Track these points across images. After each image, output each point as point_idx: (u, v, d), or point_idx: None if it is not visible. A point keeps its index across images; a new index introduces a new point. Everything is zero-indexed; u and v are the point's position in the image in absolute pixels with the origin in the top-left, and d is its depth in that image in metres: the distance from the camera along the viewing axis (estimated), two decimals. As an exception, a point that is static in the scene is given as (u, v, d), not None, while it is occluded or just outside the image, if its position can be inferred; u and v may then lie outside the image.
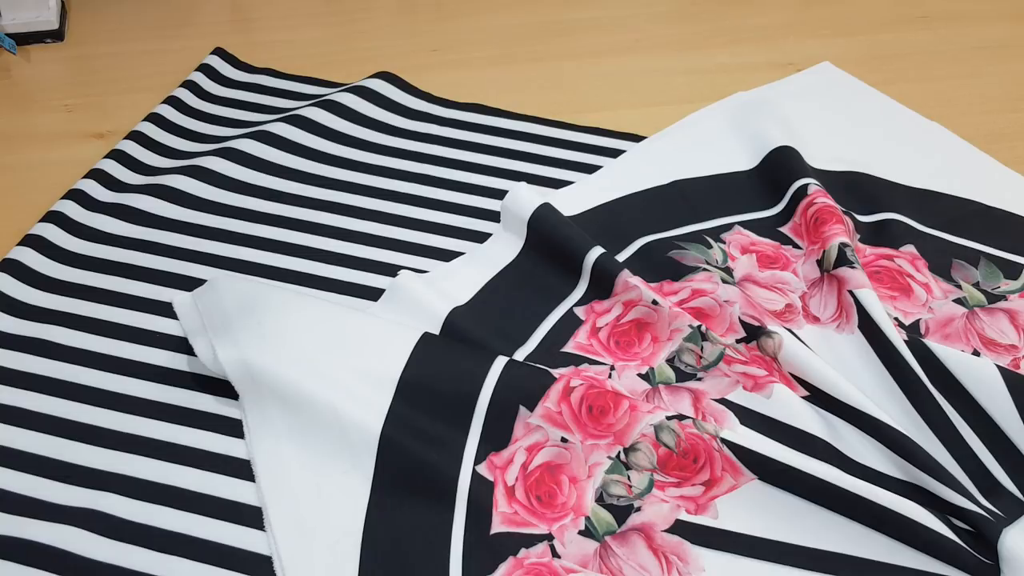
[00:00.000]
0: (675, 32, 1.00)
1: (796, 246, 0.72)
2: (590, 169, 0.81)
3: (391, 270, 0.71)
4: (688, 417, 0.58)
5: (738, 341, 0.63)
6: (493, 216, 0.76)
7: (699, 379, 0.62)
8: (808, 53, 0.95)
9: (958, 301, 0.67)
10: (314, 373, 0.59)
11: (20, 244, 0.72)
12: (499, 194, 0.78)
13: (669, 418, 0.57)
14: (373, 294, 0.69)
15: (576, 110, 0.88)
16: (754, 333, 0.63)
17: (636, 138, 0.84)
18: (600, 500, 0.55)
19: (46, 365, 0.64)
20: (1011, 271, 0.69)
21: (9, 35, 0.96)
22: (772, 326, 0.63)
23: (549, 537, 0.54)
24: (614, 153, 0.82)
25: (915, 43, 0.97)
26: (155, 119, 0.86)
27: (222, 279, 0.66)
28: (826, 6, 1.03)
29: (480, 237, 0.74)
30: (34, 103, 0.92)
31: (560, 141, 0.84)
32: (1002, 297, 0.67)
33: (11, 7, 0.97)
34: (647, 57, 0.96)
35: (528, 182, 0.79)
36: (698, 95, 0.89)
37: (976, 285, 0.68)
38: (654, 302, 0.65)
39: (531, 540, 0.54)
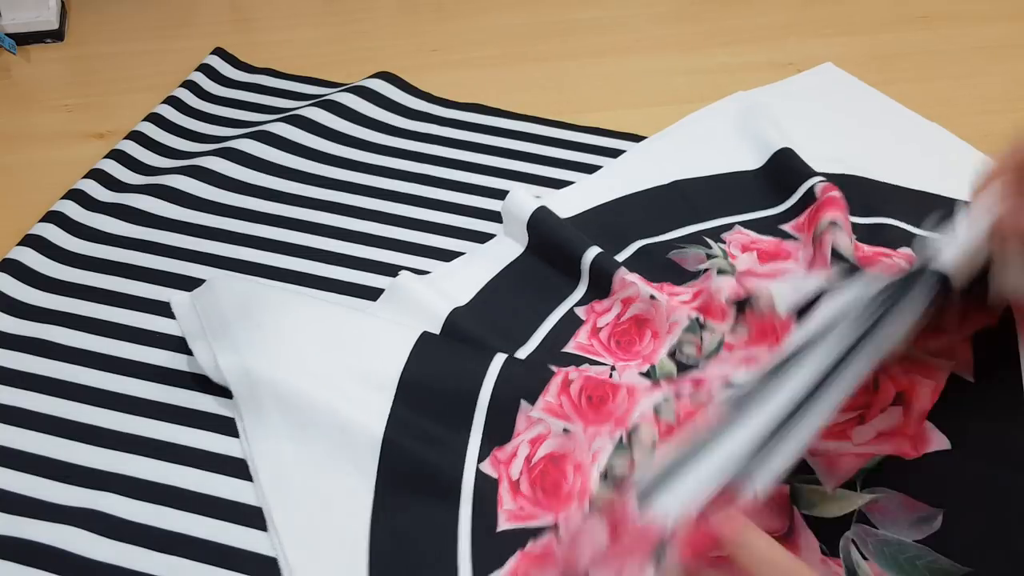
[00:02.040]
0: (675, 32, 1.00)
1: (796, 239, 0.72)
2: (590, 169, 0.81)
3: (391, 270, 0.71)
4: (686, 394, 0.57)
5: (737, 313, 0.62)
6: (493, 216, 0.76)
7: (701, 369, 0.62)
8: (808, 53, 0.95)
9: None
10: (313, 376, 0.59)
11: (20, 244, 0.72)
12: (499, 194, 0.78)
13: (666, 398, 0.57)
14: (373, 294, 0.69)
15: (576, 110, 0.88)
16: (744, 304, 0.63)
17: (636, 138, 0.84)
18: (604, 478, 0.55)
19: (46, 365, 0.64)
20: None
21: (9, 35, 0.96)
22: (757, 288, 0.62)
23: (555, 527, 0.54)
24: (614, 153, 0.82)
25: (915, 43, 0.97)
26: (155, 119, 0.86)
27: (219, 280, 0.66)
28: (826, 6, 1.03)
29: (480, 237, 0.74)
30: (34, 103, 0.92)
31: (560, 141, 0.84)
32: None
33: (11, 7, 0.97)
34: (647, 57, 0.96)
35: (528, 182, 0.79)
36: (698, 95, 0.89)
37: None
38: (652, 297, 0.65)
39: (539, 533, 0.53)
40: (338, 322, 0.62)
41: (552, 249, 0.70)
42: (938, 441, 0.52)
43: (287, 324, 0.61)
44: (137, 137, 0.84)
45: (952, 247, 0.51)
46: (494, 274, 0.70)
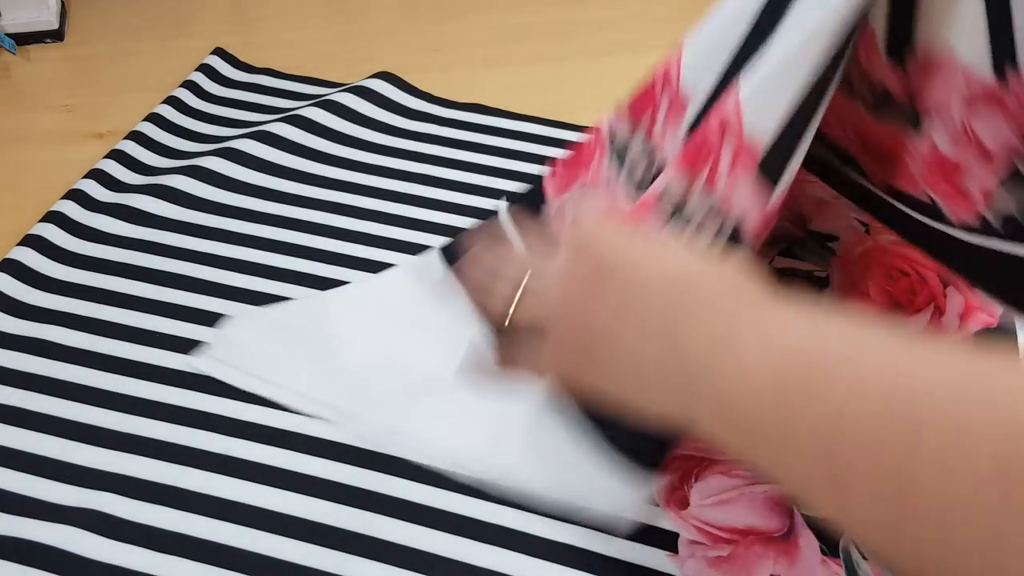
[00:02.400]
0: (675, 32, 1.00)
1: None
2: (590, 169, 0.81)
3: (391, 270, 0.71)
4: None
5: None
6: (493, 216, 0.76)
7: None
8: (808, 53, 0.95)
9: None
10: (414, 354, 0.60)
11: (20, 244, 0.72)
12: (499, 194, 0.78)
13: None
14: (373, 294, 0.69)
15: (576, 110, 0.88)
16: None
17: (636, 138, 0.84)
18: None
19: (46, 365, 0.64)
20: None
21: (9, 35, 0.96)
22: None
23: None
24: (614, 153, 0.82)
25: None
26: (155, 119, 0.86)
27: (234, 331, 0.65)
28: (826, 6, 1.03)
29: (480, 237, 0.74)
30: (34, 103, 0.92)
31: (560, 141, 0.84)
32: None
33: (11, 7, 0.97)
34: (647, 57, 0.96)
35: (528, 182, 0.79)
36: (698, 95, 0.89)
37: None
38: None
39: None
40: (381, 312, 0.63)
41: None
42: None
43: (343, 334, 0.62)
44: (137, 137, 0.84)
45: None
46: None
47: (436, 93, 0.90)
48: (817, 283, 0.65)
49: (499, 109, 0.88)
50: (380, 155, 0.83)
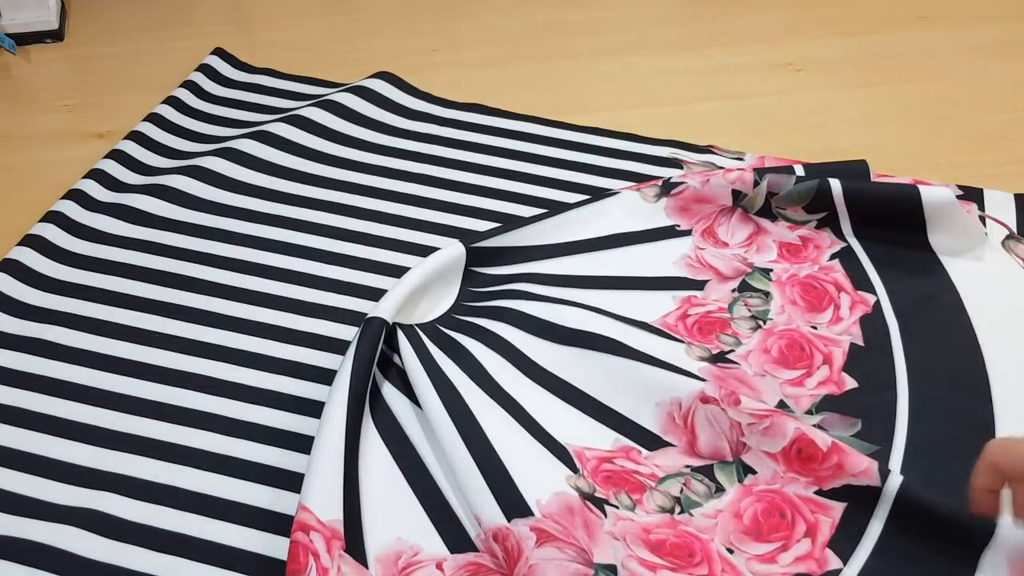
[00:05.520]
0: (675, 32, 1.00)
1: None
2: (590, 169, 0.81)
3: (391, 270, 0.71)
4: None
5: None
6: (493, 216, 0.76)
7: None
8: (808, 53, 0.95)
9: None
10: None
11: (20, 244, 0.72)
12: (499, 194, 0.78)
13: None
14: (373, 294, 0.69)
15: (576, 110, 0.88)
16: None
17: (636, 138, 0.84)
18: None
19: (46, 365, 0.64)
20: None
21: (9, 35, 0.96)
22: None
23: None
24: (614, 153, 0.82)
25: (915, 43, 0.97)
26: (155, 119, 0.86)
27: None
28: (826, 6, 1.03)
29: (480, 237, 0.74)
30: (34, 103, 0.92)
31: (560, 141, 0.84)
32: None
33: (11, 7, 0.97)
34: (647, 57, 0.96)
35: (528, 182, 0.79)
36: (698, 95, 0.89)
37: None
38: None
39: None
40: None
41: None
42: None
43: None
44: (137, 137, 0.84)
45: None
46: None
47: (436, 93, 0.90)
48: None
49: (499, 109, 0.88)
50: (380, 155, 0.83)
